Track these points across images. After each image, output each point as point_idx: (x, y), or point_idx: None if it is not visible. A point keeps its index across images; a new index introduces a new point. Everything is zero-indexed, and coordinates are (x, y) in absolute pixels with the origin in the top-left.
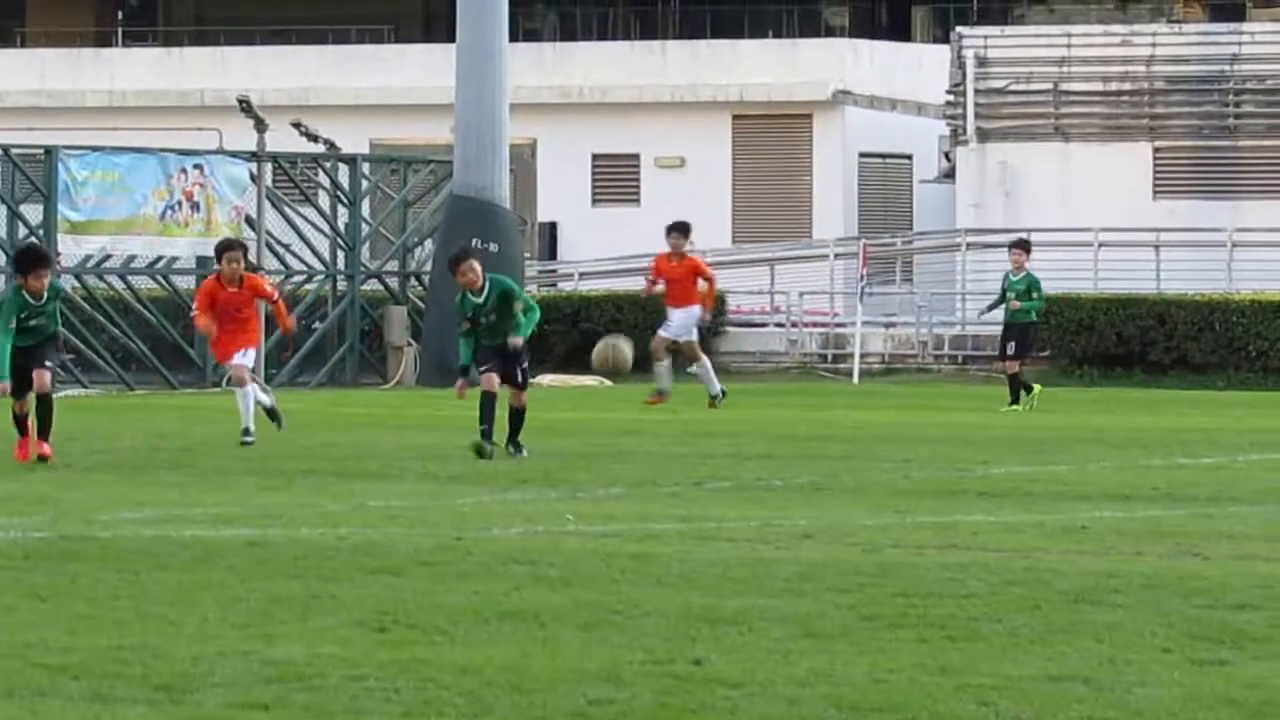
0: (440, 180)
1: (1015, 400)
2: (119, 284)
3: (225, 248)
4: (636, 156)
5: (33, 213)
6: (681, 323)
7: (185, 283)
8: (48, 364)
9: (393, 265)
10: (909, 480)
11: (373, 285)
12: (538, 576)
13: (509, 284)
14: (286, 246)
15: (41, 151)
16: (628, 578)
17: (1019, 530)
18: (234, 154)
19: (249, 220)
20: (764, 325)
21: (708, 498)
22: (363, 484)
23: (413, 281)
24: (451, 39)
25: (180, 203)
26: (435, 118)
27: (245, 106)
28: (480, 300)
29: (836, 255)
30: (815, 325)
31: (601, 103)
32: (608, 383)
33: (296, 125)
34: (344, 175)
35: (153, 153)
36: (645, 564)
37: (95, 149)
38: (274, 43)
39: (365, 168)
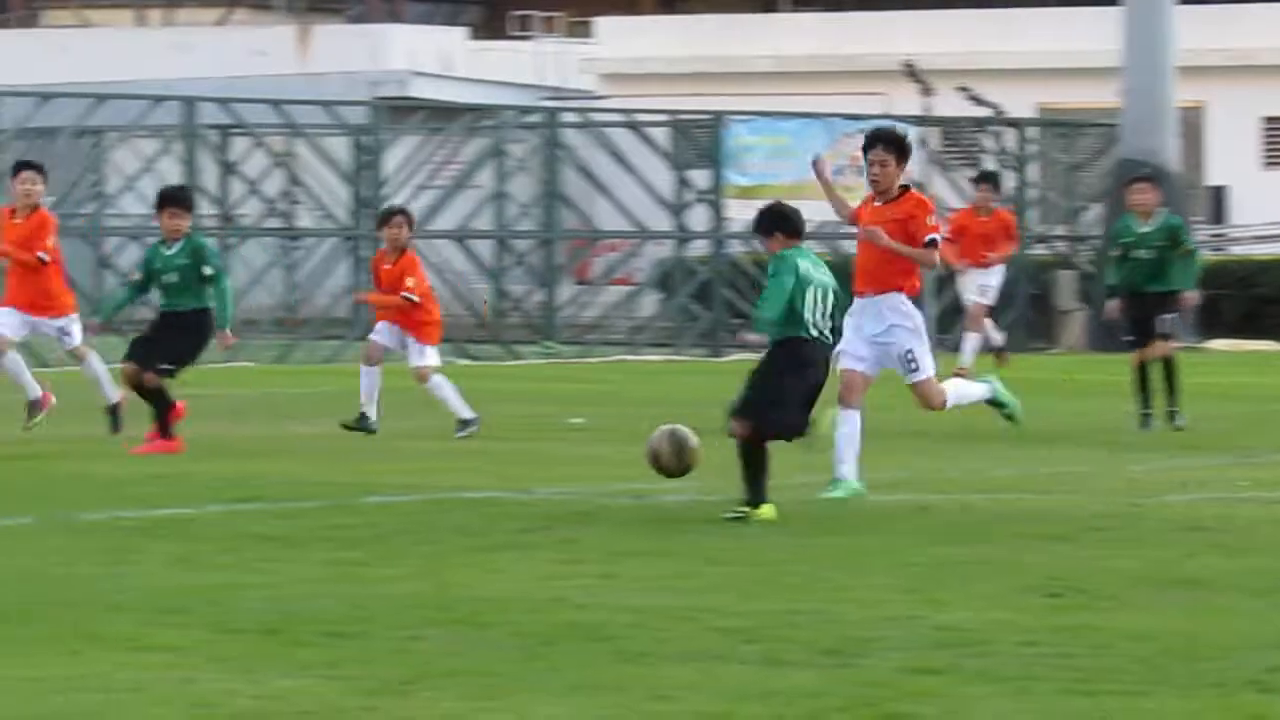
0: (1107, 145)
1: None
2: None
3: (386, 214)
4: None
5: (700, 178)
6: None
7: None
8: (162, 365)
9: (1061, 230)
10: None
11: (1039, 250)
12: (1212, 543)
13: (1178, 222)
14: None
15: (709, 118)
16: None
17: None
18: (900, 118)
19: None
20: None
21: None
22: (1031, 450)
23: (1081, 246)
24: (1118, 1)
25: (846, 167)
26: (1103, 81)
27: (910, 71)
28: (1145, 229)
29: None
30: None
31: (1272, 65)
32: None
33: (963, 90)
34: (1010, 140)
35: (819, 118)
36: None
37: (762, 114)
38: (939, 7)
39: (1031, 132)
